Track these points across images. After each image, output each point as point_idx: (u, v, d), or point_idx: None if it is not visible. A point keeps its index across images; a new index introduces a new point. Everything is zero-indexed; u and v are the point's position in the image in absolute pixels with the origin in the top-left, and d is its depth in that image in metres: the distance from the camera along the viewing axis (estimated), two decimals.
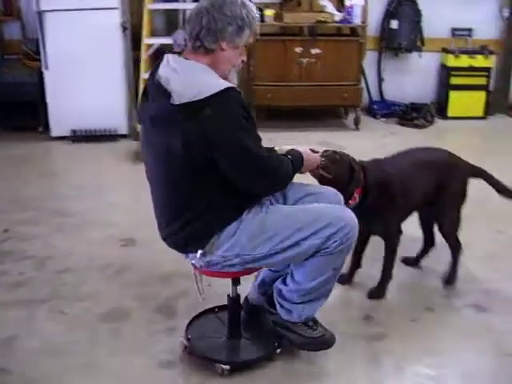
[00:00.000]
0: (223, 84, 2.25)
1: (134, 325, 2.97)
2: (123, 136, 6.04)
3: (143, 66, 5.84)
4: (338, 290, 3.26)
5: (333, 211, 2.46)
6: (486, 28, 7.32)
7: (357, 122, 6.61)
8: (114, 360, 2.71)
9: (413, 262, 3.58)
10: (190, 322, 2.84)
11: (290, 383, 2.62)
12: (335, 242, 2.38)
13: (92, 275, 3.45)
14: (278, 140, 5.98)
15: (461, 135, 6.64)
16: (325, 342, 2.65)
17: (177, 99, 2.20)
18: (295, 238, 2.37)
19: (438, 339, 2.92)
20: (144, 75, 5.78)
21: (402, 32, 6.94)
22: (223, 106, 2.23)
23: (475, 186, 3.31)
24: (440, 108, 7.25)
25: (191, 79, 2.28)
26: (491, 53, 7.14)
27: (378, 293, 3.24)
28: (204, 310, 2.94)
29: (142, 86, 5.74)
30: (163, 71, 2.31)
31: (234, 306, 2.75)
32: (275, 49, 6.22)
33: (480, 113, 7.26)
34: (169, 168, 2.35)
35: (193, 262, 2.52)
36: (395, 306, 3.20)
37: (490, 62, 7.15)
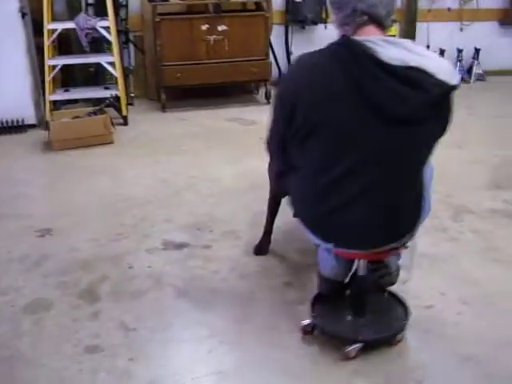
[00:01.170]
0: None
1: (58, 313, 2.93)
2: (32, 126, 5.87)
3: (47, 52, 5.68)
4: (256, 261, 3.35)
5: None
6: None
7: (268, 96, 6.67)
8: (39, 350, 2.66)
9: None
10: (313, 304, 2.77)
11: None
12: None
13: (11, 267, 3.36)
14: (190, 119, 6.04)
15: None
16: None
17: (448, 81, 2.17)
18: None
19: None
20: (50, 61, 5.64)
21: (306, 5, 7.04)
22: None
23: None
24: None
25: (435, 58, 2.25)
26: (394, 21, 7.31)
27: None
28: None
29: (48, 73, 5.61)
30: (400, 54, 2.16)
31: (361, 283, 2.62)
32: (181, 28, 6.17)
33: None
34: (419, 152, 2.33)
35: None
36: (314, 271, 3.27)
37: (394, 30, 7.36)
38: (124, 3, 6.48)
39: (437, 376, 2.50)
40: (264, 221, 3.43)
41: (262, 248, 3.43)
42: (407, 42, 2.22)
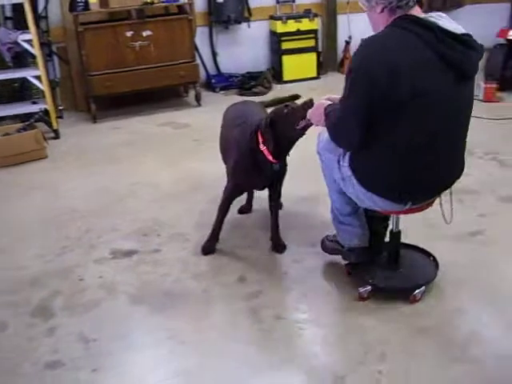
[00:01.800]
0: None
1: (13, 333, 2.88)
2: None
3: None
4: (206, 260, 3.39)
5: None
6: None
7: (198, 98, 6.69)
8: None
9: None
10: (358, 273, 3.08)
11: None
12: None
13: None
14: (123, 127, 6.00)
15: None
16: None
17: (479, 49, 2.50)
18: None
19: (310, 285, 3.11)
20: None
21: (228, 5, 7.09)
22: None
23: None
24: (276, 73, 7.52)
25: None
26: (315, 15, 7.48)
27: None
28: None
29: None
30: (451, 25, 2.45)
31: (394, 239, 3.05)
32: (105, 36, 6.10)
33: (313, 73, 7.63)
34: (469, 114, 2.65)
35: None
36: (266, 263, 3.35)
37: (316, 24, 7.51)
38: (44, 15, 6.37)
39: None
40: (210, 220, 3.46)
41: (210, 247, 3.47)
42: (445, 15, 2.50)
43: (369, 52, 2.44)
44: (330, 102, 2.73)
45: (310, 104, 2.91)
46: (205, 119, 6.09)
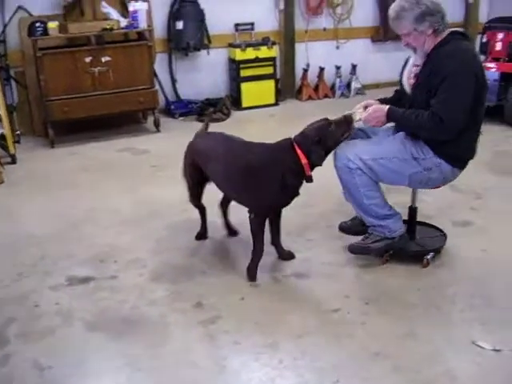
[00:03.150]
0: None
1: None
2: None
3: None
4: (163, 286, 3.39)
5: None
6: (266, 21, 7.83)
7: (157, 124, 6.72)
8: None
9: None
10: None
11: None
12: None
13: None
14: (81, 152, 5.98)
15: (256, 122, 7.03)
16: None
17: None
18: None
19: (268, 310, 3.14)
20: None
21: (188, 32, 7.17)
22: None
23: None
24: (234, 100, 7.60)
25: None
26: (274, 43, 7.62)
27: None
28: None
29: None
30: None
31: (411, 214, 3.72)
32: (64, 61, 6.11)
33: (272, 100, 7.74)
34: None
35: None
36: (223, 289, 3.37)
37: (274, 52, 7.65)
38: (2, 39, 6.35)
39: None
40: (167, 246, 3.47)
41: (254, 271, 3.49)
42: None
43: (466, 56, 3.20)
44: (385, 106, 3.34)
45: (349, 118, 3.32)
46: (163, 145, 6.13)
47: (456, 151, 3.31)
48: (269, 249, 3.62)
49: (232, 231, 3.96)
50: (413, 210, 3.72)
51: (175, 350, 2.85)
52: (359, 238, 3.61)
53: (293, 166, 3.26)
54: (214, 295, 3.29)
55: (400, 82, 3.57)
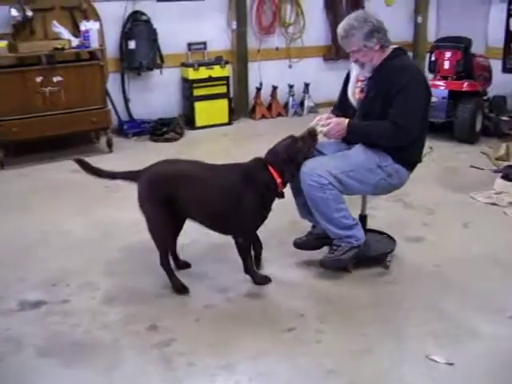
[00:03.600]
0: None
1: None
2: None
3: None
4: (116, 309, 3.34)
5: None
6: (219, 40, 7.87)
7: (110, 144, 6.65)
8: None
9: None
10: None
11: None
12: None
13: None
14: (32, 174, 5.87)
15: (210, 142, 7.03)
16: None
17: None
18: None
19: (223, 331, 3.12)
20: None
21: (140, 51, 7.14)
22: None
23: None
24: (188, 119, 7.59)
25: None
26: (226, 62, 7.65)
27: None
28: None
29: None
30: None
31: (363, 221, 3.80)
32: (14, 81, 5.99)
33: (225, 119, 7.76)
34: None
35: None
36: (177, 310, 3.33)
37: (227, 71, 7.68)
38: None
39: None
40: (120, 268, 3.43)
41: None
42: None
43: (416, 69, 3.55)
44: (345, 119, 3.50)
45: (314, 131, 3.46)
46: (116, 165, 5.97)
47: (411, 156, 3.59)
48: (223, 267, 3.61)
49: (183, 264, 3.79)
50: (364, 218, 3.86)
51: (129, 373, 2.80)
52: (314, 252, 3.76)
53: (270, 185, 3.36)
54: (168, 317, 3.26)
55: (340, 98, 3.84)
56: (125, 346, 3.01)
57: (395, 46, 3.58)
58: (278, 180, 3.36)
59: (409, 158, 3.59)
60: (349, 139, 3.57)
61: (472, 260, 3.88)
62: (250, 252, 3.53)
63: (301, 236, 3.85)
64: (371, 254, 3.76)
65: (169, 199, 3.33)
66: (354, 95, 3.66)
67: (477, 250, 4.01)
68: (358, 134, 3.52)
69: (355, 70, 3.63)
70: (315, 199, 3.43)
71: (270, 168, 3.36)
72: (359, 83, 3.64)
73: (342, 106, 3.77)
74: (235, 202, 3.32)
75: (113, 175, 3.74)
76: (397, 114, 3.36)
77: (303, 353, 2.92)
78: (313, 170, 3.39)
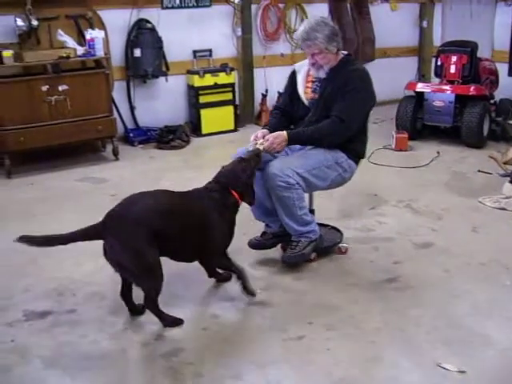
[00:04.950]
0: None
1: None
2: None
3: None
4: (123, 319, 3.33)
5: None
6: (224, 47, 7.87)
7: (116, 153, 6.65)
8: None
9: None
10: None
11: None
12: None
13: None
14: (39, 182, 5.87)
15: (216, 149, 7.00)
16: None
17: None
18: None
19: (230, 340, 3.09)
20: None
21: (145, 59, 7.14)
22: None
23: None
24: (194, 127, 7.58)
25: None
26: (232, 69, 7.64)
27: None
28: None
29: None
30: None
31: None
32: (20, 90, 6.00)
33: (231, 126, 7.75)
34: None
35: None
36: (185, 320, 3.30)
37: (232, 77, 7.67)
38: None
39: None
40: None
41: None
42: None
43: (367, 75, 3.75)
44: (284, 132, 3.64)
45: (258, 150, 3.57)
46: (122, 174, 6.06)
47: (359, 153, 3.89)
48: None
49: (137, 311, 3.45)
50: (312, 212, 4.04)
51: None
52: (270, 250, 3.97)
53: (237, 205, 3.44)
54: (174, 328, 3.22)
55: (284, 100, 4.04)
56: (132, 357, 2.98)
57: (346, 52, 3.87)
58: (240, 201, 3.45)
59: (359, 153, 3.89)
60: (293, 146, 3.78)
61: (481, 265, 3.85)
62: (230, 260, 3.47)
63: (256, 236, 3.99)
64: (324, 245, 3.96)
65: (155, 235, 3.09)
66: (305, 95, 3.86)
67: (486, 256, 3.97)
68: (300, 141, 3.72)
69: (304, 72, 3.90)
70: (282, 198, 3.59)
71: (232, 191, 3.40)
72: (310, 84, 3.87)
73: (287, 108, 3.96)
74: (214, 225, 3.31)
75: (69, 238, 3.34)
76: (342, 110, 3.61)
77: (312, 361, 2.89)
78: (281, 171, 3.53)
